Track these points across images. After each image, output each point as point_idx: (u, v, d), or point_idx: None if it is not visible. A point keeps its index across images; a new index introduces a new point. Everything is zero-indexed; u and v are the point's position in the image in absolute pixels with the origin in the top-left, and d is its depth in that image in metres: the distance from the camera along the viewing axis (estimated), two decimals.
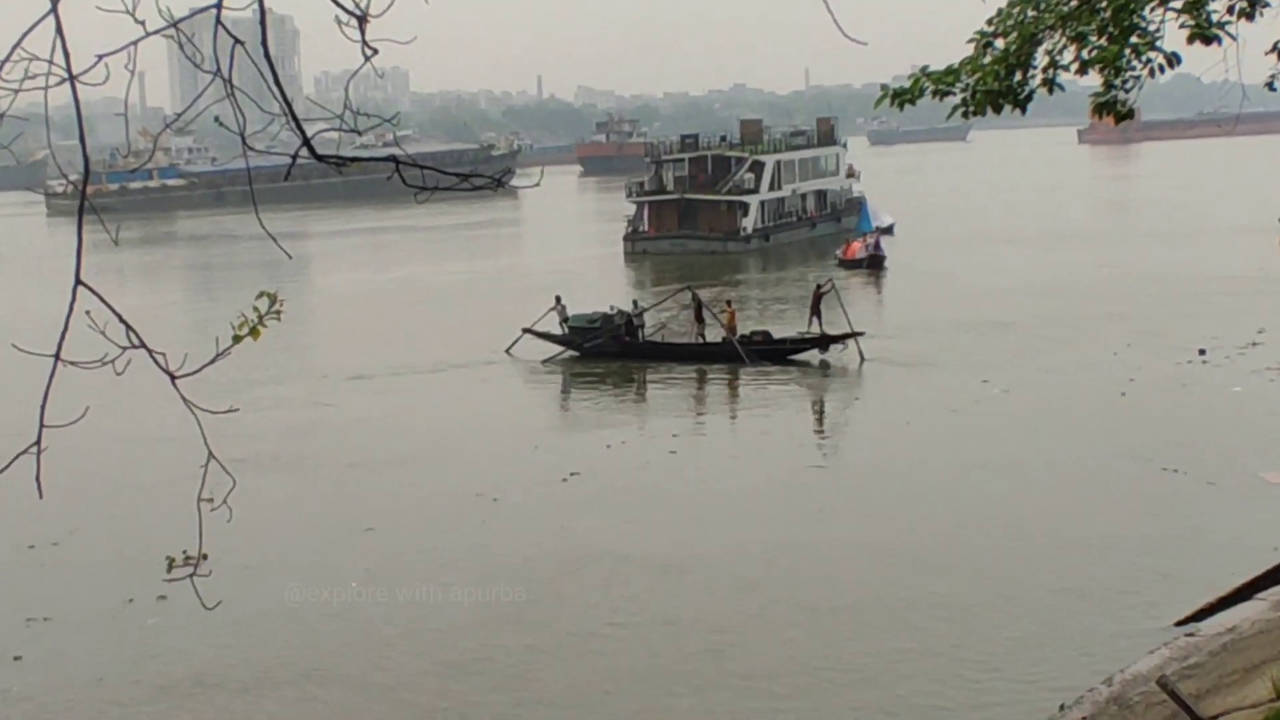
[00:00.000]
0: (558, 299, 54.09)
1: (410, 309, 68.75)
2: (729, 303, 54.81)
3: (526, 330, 52.80)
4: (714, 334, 51.71)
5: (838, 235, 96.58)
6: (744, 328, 52.89)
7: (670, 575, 26.99)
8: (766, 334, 51.58)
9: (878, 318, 59.65)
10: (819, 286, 55.30)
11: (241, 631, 24.54)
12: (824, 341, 50.45)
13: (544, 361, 51.53)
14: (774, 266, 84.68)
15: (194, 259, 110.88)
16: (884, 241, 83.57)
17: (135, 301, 67.52)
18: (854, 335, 49.79)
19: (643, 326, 52.83)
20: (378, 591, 26.56)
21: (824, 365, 49.35)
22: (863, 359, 48.70)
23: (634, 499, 32.59)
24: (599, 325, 52.04)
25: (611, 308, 53.15)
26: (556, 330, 53.12)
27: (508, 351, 52.60)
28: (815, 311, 53.49)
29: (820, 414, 43.13)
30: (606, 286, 69.75)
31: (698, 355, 51.00)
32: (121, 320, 5.23)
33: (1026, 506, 30.78)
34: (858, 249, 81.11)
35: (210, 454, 5.74)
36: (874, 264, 79.03)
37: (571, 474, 34.75)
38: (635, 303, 54.20)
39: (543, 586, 26.60)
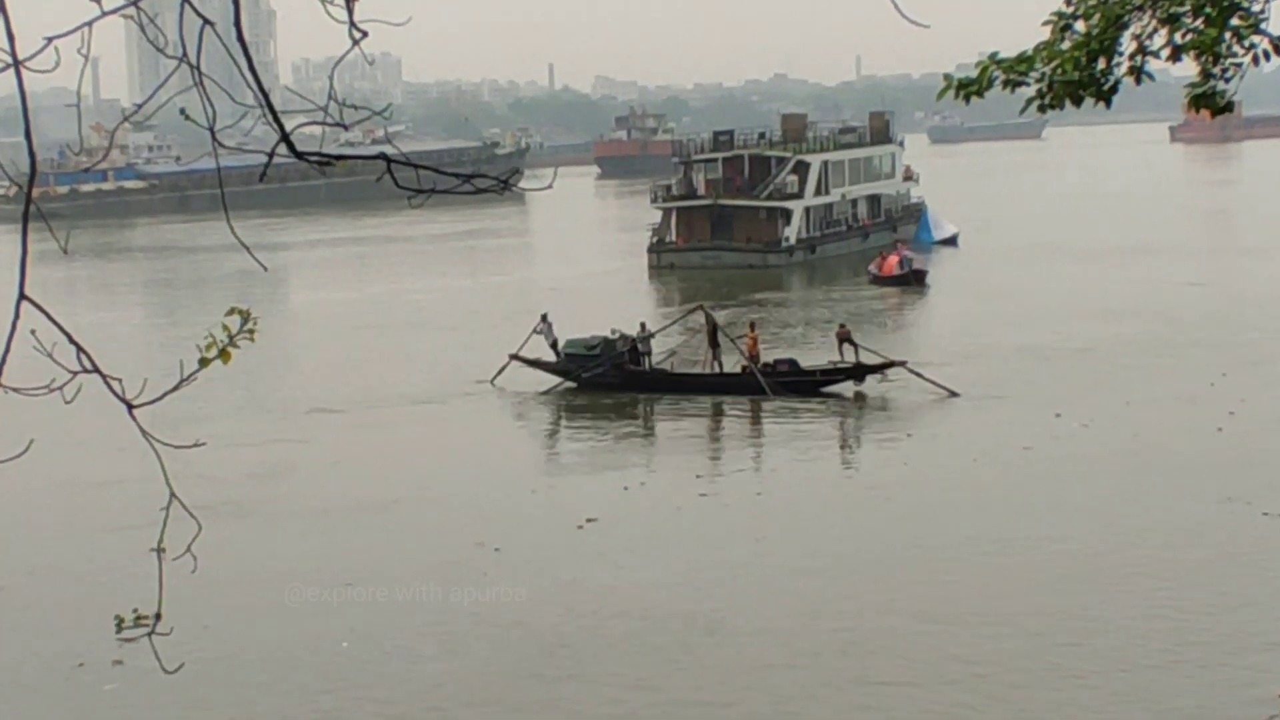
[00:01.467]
0: (543, 317, 53.57)
1: (398, 330, 68.75)
2: (751, 326, 53.90)
3: (514, 357, 52.10)
4: (732, 362, 51.26)
5: (894, 246, 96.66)
6: (773, 354, 52.72)
7: (712, 639, 26.93)
8: (793, 363, 51.02)
9: (930, 343, 59.54)
10: (842, 326, 54.28)
11: (212, 699, 24.53)
12: (860, 372, 49.96)
13: (541, 393, 51.33)
14: (820, 282, 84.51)
15: (154, 271, 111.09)
16: (946, 254, 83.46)
17: (87, 319, 67.76)
18: (895, 364, 49.35)
19: (649, 353, 52.25)
20: (366, 654, 26.55)
21: (859, 398, 49.08)
22: (952, 393, 47.80)
23: (666, 547, 32.52)
24: (599, 351, 51.38)
25: (613, 331, 52.27)
26: (547, 355, 52.58)
27: (492, 382, 52.03)
28: (845, 340, 52.40)
29: (869, 453, 42.79)
30: (627, 305, 69.61)
31: (714, 387, 50.41)
32: (71, 340, 5.23)
33: (1114, 559, 30.67)
34: (894, 264, 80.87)
35: (172, 494, 5.72)
36: (917, 279, 78.90)
37: (588, 520, 34.71)
38: (642, 325, 53.43)
39: (567, 653, 26.52)
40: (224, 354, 5.56)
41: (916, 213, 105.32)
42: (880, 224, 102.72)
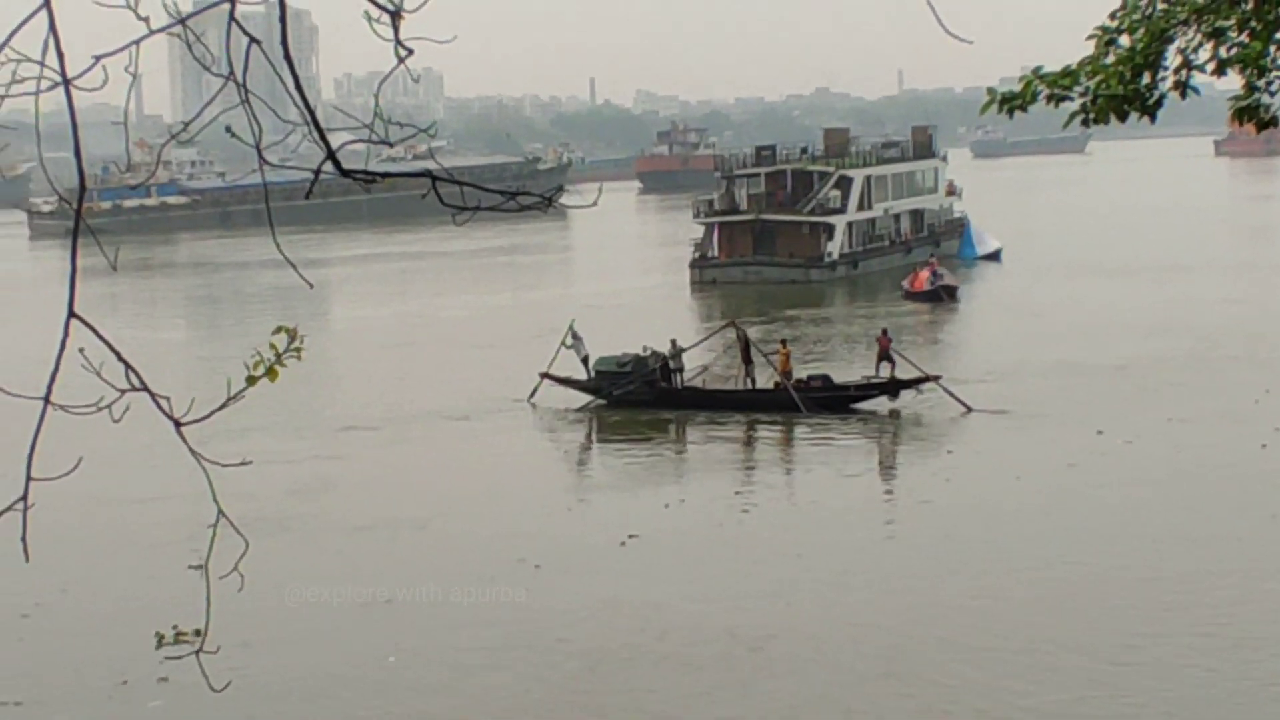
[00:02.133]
0: (571, 328, 53.47)
1: (436, 347, 68.83)
2: (783, 343, 53.57)
3: (545, 376, 52.19)
4: (765, 378, 51.10)
5: (925, 262, 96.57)
6: (812, 369, 52.68)
7: (757, 657, 26.91)
8: (826, 378, 50.95)
9: (968, 359, 59.41)
10: (885, 332, 54.24)
11: (260, 716, 24.57)
12: (894, 387, 49.88)
13: (574, 410, 51.28)
14: (862, 298, 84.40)
15: (198, 287, 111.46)
16: (988, 269, 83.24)
17: (131, 335, 67.96)
18: (929, 379, 49.28)
19: (681, 370, 52.07)
20: (413, 669, 26.59)
21: (894, 415, 48.93)
22: (968, 408, 47.91)
23: (709, 564, 32.50)
24: (630, 369, 51.29)
25: (644, 348, 52.20)
26: (578, 372, 52.53)
27: (529, 401, 52.16)
28: (885, 358, 52.51)
29: (909, 470, 42.62)
30: (669, 320, 69.51)
31: (746, 403, 50.23)
32: (120, 358, 5.24)
33: (1161, 577, 30.55)
34: (925, 280, 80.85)
35: (220, 512, 5.73)
36: (947, 295, 78.83)
37: (630, 537, 34.71)
38: (673, 342, 53.06)
39: (612, 669, 26.53)
40: (271, 372, 5.58)
41: (959, 228, 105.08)
42: (923, 239, 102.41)
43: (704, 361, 53.18)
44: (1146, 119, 11.41)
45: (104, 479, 38.95)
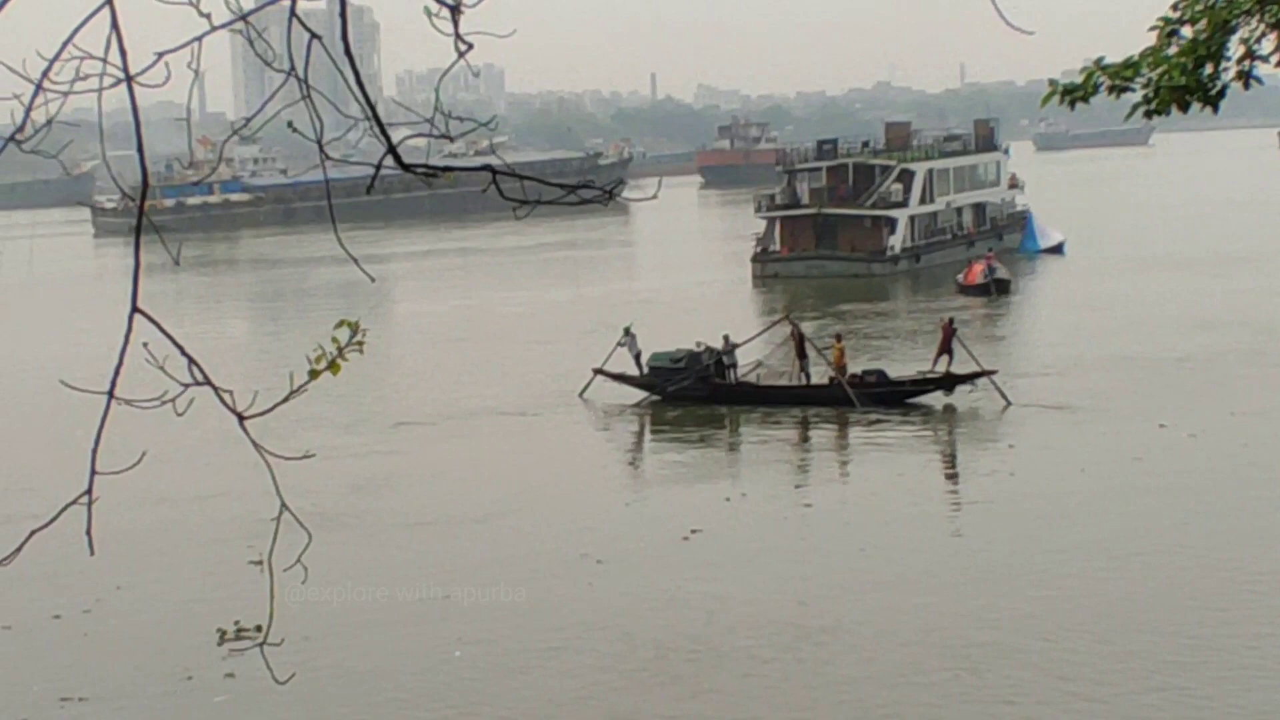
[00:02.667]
0: (627, 330, 53.51)
1: (495, 342, 68.77)
2: (838, 338, 53.42)
3: (598, 371, 52.31)
4: (820, 373, 50.89)
5: (998, 256, 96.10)
6: (866, 364, 52.56)
7: (824, 652, 26.91)
8: (881, 373, 50.78)
9: (1026, 353, 59.22)
10: (950, 321, 53.70)
11: (325, 710, 24.68)
12: (950, 382, 49.72)
13: (629, 406, 51.18)
14: (924, 292, 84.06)
15: (261, 283, 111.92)
16: (1050, 262, 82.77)
17: (196, 331, 68.39)
18: (985, 374, 49.05)
19: (734, 365, 51.94)
20: (478, 663, 26.68)
21: (950, 410, 48.70)
22: (1008, 402, 47.91)
23: (774, 559, 32.49)
24: (684, 365, 51.15)
25: (698, 344, 52.07)
26: (631, 369, 52.49)
27: (581, 396, 52.33)
28: (945, 350, 52.06)
29: (971, 464, 42.37)
30: (731, 315, 69.48)
31: (801, 399, 50.08)
32: (184, 353, 5.28)
33: (1232, 572, 30.41)
34: (978, 273, 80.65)
35: (283, 505, 5.76)
36: (1000, 289, 78.58)
37: (693, 531, 34.73)
38: (726, 338, 52.79)
39: (675, 661, 26.56)
40: (334, 366, 5.61)
41: (1021, 221, 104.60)
42: (985, 232, 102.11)
43: (759, 357, 52.95)
44: (1209, 110, 11.36)
45: (166, 474, 39.21)
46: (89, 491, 5.36)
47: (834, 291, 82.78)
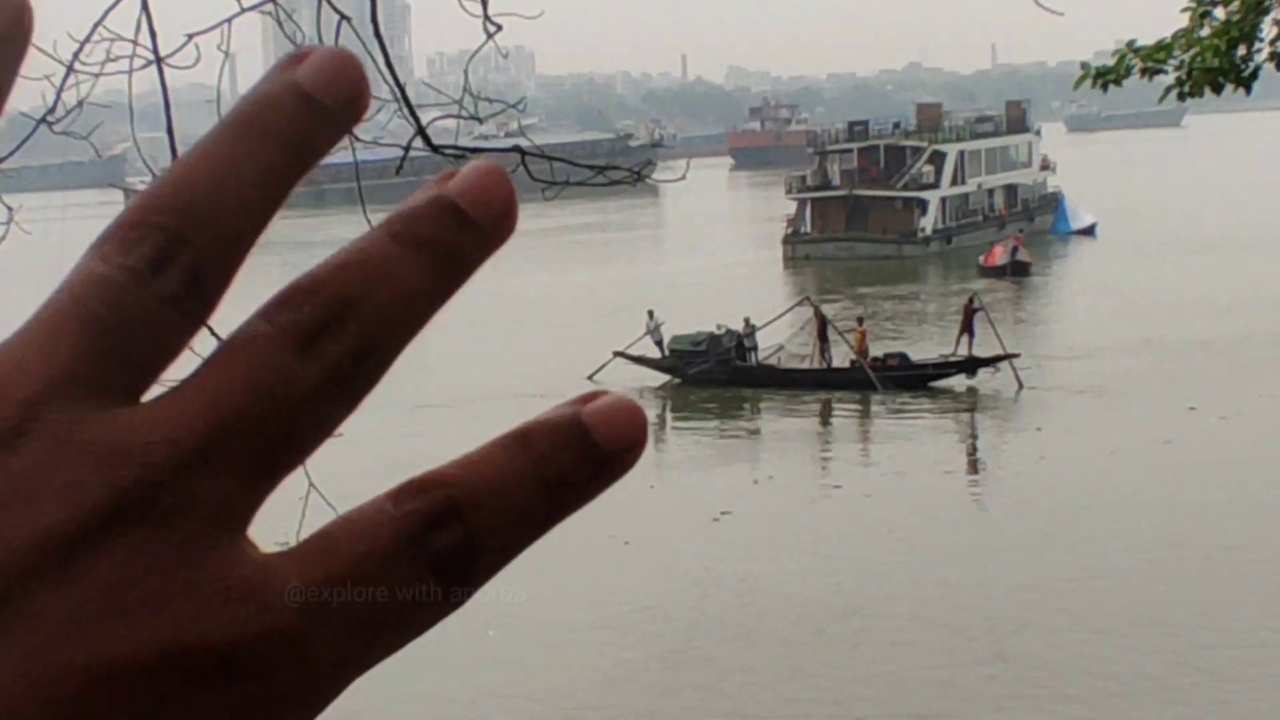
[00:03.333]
0: (650, 314, 53.27)
1: (520, 324, 68.59)
2: (860, 320, 53.26)
3: (618, 354, 51.77)
4: (841, 355, 50.92)
5: (1030, 236, 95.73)
6: (896, 345, 52.40)
7: (856, 633, 26.92)
8: (903, 356, 50.55)
9: (1051, 336, 59.05)
10: (970, 301, 53.59)
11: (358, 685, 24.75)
12: (971, 365, 49.53)
13: (653, 389, 50.98)
14: (956, 274, 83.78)
15: (290, 266, 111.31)
16: (1081, 243, 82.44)
17: (226, 314, 68.20)
18: (1007, 358, 48.72)
19: (755, 348, 51.80)
20: (510, 645, 26.74)
21: (972, 392, 48.58)
22: (1020, 385, 47.87)
23: (805, 540, 32.48)
24: (704, 347, 51.09)
25: (719, 327, 51.99)
26: (652, 352, 52.30)
27: (591, 378, 51.57)
28: (966, 330, 52.09)
29: (998, 447, 42.33)
30: (762, 296, 69.28)
31: (821, 382, 49.90)
32: (213, 333, 5.29)
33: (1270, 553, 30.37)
34: (999, 255, 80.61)
35: (311, 484, 5.78)
36: (1017, 271, 78.45)
37: (723, 513, 34.75)
38: (747, 320, 52.63)
39: (706, 642, 26.59)
40: None
41: (1053, 202, 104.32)
42: (1017, 214, 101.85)
43: (780, 340, 52.59)
44: (1242, 91, 11.32)
45: None
46: None
47: (865, 273, 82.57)
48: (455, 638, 27.24)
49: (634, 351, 52.23)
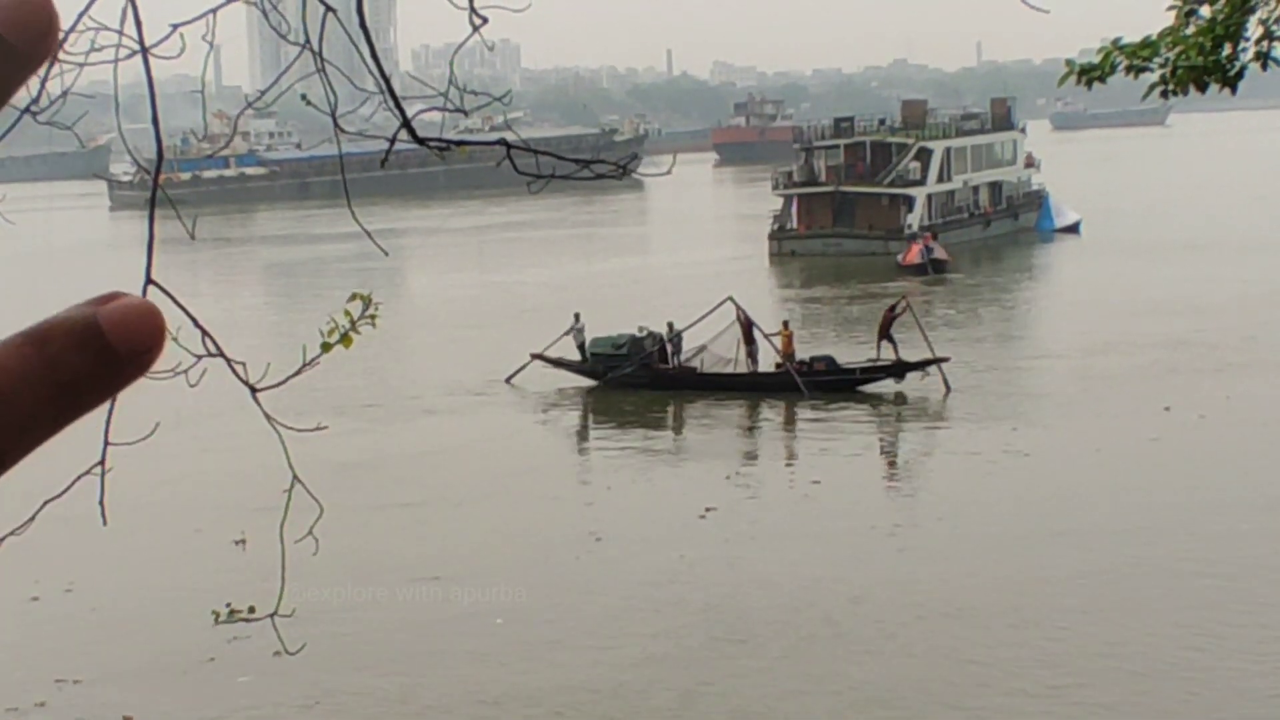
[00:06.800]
0: (576, 317, 52.58)
1: (502, 320, 68.15)
2: (785, 324, 51.85)
3: (536, 356, 51.00)
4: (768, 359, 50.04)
5: (1014, 233, 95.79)
6: (842, 350, 52.05)
7: (858, 623, 26.98)
8: (830, 360, 49.66)
9: (1018, 334, 59.16)
10: (892, 307, 52.51)
11: (373, 675, 24.83)
12: (900, 370, 48.74)
13: (578, 392, 50.52)
14: (939, 269, 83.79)
15: (276, 257, 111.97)
16: (1064, 241, 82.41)
17: (211, 304, 68.30)
18: (936, 361, 48.20)
19: (678, 351, 50.82)
20: (518, 635, 26.79)
21: (900, 397, 48.05)
22: (948, 389, 47.46)
23: (785, 540, 32.59)
24: (625, 350, 50.26)
25: (640, 329, 51.02)
26: (573, 355, 51.52)
27: (508, 381, 51.26)
28: (885, 335, 51.15)
29: (976, 446, 41.69)
30: (747, 292, 69.07)
31: (747, 385, 49.12)
32: (197, 325, 5.29)
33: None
34: (916, 253, 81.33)
35: (295, 477, 5.79)
36: (935, 269, 78.86)
37: (708, 509, 34.81)
38: (670, 325, 51.43)
39: (724, 630, 26.63)
40: (346, 339, 5.62)
41: (1038, 200, 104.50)
42: (1002, 212, 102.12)
43: (702, 341, 51.02)
44: (1227, 90, 11.34)
45: (185, 444, 39.19)
46: (102, 462, 5.37)
47: (850, 269, 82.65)
48: (462, 631, 27.27)
49: (554, 353, 51.30)
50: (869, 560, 30.76)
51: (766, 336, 49.91)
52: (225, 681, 25.04)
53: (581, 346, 51.80)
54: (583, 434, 47.11)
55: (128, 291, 0.61)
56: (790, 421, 46.43)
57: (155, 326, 0.58)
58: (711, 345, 50.61)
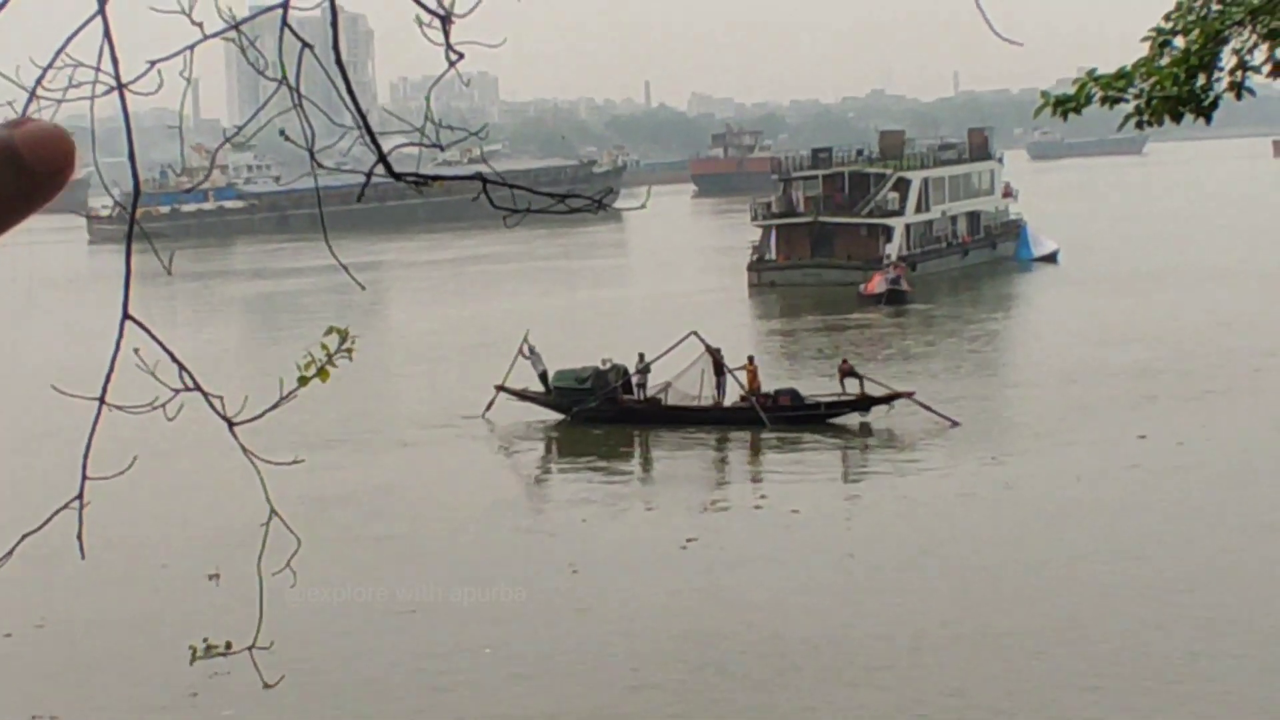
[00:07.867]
0: (526, 335, 51.86)
1: (477, 352, 67.91)
2: (750, 359, 51.20)
3: (500, 388, 50.71)
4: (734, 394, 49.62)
5: (992, 263, 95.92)
6: (811, 380, 52.05)
7: (805, 671, 26.98)
8: (794, 393, 49.40)
9: (999, 365, 59.17)
10: (845, 361, 52.20)
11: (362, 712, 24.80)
12: (865, 404, 48.64)
13: (544, 426, 50.44)
14: (921, 300, 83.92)
15: (254, 291, 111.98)
16: (1043, 271, 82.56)
17: (188, 338, 68.22)
18: (902, 395, 48.25)
19: (644, 385, 50.50)
20: (509, 662, 26.74)
21: (866, 429, 47.93)
22: (953, 423, 47.05)
23: (785, 565, 32.64)
24: (589, 384, 49.98)
25: (604, 362, 50.69)
26: (533, 385, 51.05)
27: (483, 416, 51.13)
28: (850, 374, 50.22)
29: (959, 478, 41.56)
30: (727, 323, 69.29)
31: (712, 419, 48.94)
32: (174, 359, 5.30)
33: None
34: (877, 283, 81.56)
35: (272, 511, 5.80)
36: (893, 299, 79.17)
37: (689, 540, 34.83)
38: (641, 355, 51.23)
39: (700, 660, 26.62)
40: (323, 372, 5.63)
41: (1016, 229, 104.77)
42: (980, 241, 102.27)
43: (667, 377, 50.55)
44: (1202, 120, 11.39)
45: (163, 479, 39.13)
46: (80, 496, 5.38)
47: (830, 299, 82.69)
48: (448, 659, 27.24)
49: (513, 378, 50.85)
50: (851, 590, 30.81)
51: (730, 372, 49.64)
52: (209, 717, 24.98)
53: (543, 375, 51.17)
54: (553, 468, 47.14)
55: (37, 118, 0.63)
56: (761, 453, 46.46)
57: (66, 148, 0.60)
58: (676, 382, 50.29)
